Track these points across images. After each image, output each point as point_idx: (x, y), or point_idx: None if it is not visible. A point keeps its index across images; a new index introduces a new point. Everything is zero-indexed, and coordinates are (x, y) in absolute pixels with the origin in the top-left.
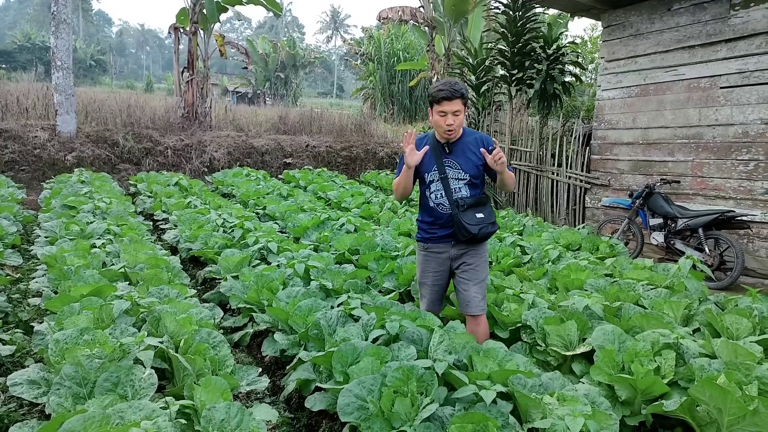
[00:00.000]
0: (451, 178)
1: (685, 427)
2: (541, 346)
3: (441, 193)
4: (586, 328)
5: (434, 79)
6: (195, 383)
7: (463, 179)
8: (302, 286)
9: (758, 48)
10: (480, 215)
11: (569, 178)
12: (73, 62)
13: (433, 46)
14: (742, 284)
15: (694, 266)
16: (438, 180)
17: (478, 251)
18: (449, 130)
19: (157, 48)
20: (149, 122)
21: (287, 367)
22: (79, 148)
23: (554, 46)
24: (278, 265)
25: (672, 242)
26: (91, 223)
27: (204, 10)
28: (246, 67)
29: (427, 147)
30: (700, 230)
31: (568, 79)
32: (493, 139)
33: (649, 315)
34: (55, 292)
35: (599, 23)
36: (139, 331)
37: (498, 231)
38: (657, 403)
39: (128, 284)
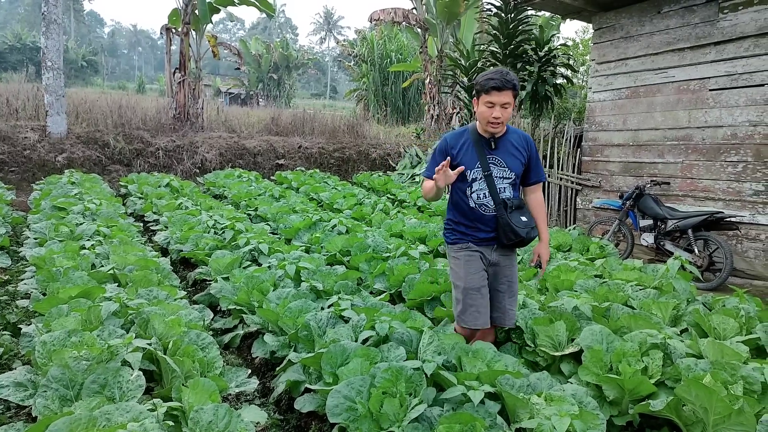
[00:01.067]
0: (496, 176)
1: (672, 426)
2: (530, 346)
3: (485, 193)
4: (574, 328)
5: (426, 81)
6: (183, 385)
7: (508, 178)
8: (293, 287)
9: (746, 51)
10: (524, 218)
11: (560, 179)
12: (64, 63)
13: (426, 47)
14: (730, 285)
15: (682, 267)
16: (482, 178)
17: (513, 261)
18: (495, 123)
19: (149, 49)
20: (140, 123)
21: (277, 369)
22: (69, 149)
23: (546, 49)
24: (269, 267)
25: (662, 243)
26: (81, 224)
27: (196, 11)
28: (238, 68)
29: (462, 168)
30: (690, 231)
31: (559, 81)
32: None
33: (638, 315)
34: (44, 294)
35: (590, 26)
36: (128, 333)
37: None
38: (644, 402)
39: (117, 286)
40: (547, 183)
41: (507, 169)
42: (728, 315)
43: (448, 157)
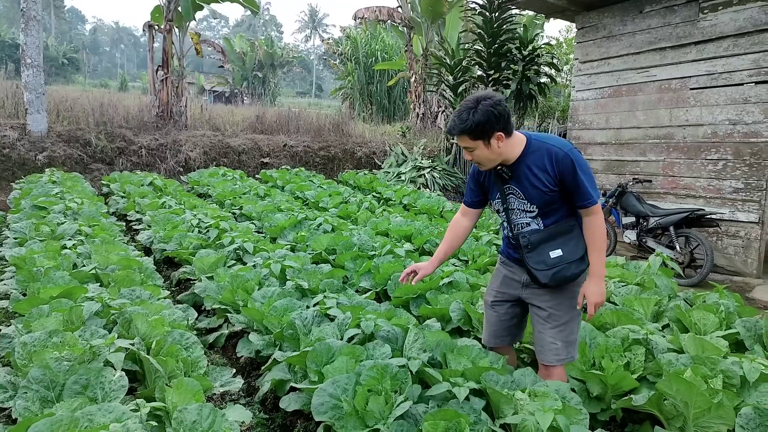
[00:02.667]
0: (515, 209)
1: (654, 420)
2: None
3: (507, 225)
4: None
5: (412, 79)
6: (167, 385)
7: (530, 212)
8: (278, 286)
9: (726, 51)
10: (556, 253)
11: None
12: (45, 60)
13: (411, 46)
14: (711, 281)
15: (664, 264)
16: (503, 211)
17: (564, 290)
18: (478, 164)
19: (132, 46)
20: (123, 121)
21: (262, 368)
22: (50, 147)
23: (530, 48)
24: (254, 266)
25: (644, 240)
26: (62, 224)
27: (179, 8)
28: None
29: (419, 275)
30: (671, 228)
31: (543, 80)
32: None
33: (620, 311)
34: (24, 295)
35: (574, 25)
36: (110, 333)
37: (475, 230)
38: (627, 397)
39: (99, 286)
40: None
41: (525, 201)
42: (708, 310)
43: (413, 271)
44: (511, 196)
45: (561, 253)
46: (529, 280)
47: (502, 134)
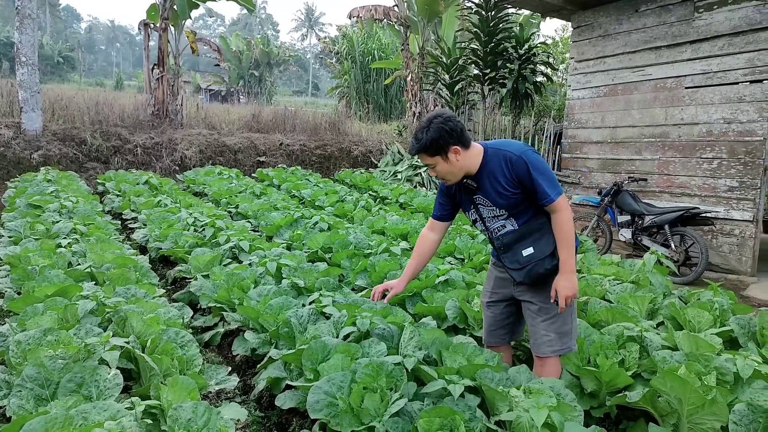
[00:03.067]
0: (488, 217)
1: (648, 417)
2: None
3: (486, 233)
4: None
5: (408, 78)
6: (162, 383)
7: (501, 215)
8: (274, 284)
9: (720, 50)
10: (528, 251)
11: None
12: (40, 59)
13: (408, 45)
14: (705, 279)
15: (659, 262)
16: (479, 220)
17: (548, 283)
18: (441, 178)
19: (127, 45)
20: (118, 120)
21: (258, 366)
22: (45, 146)
23: (526, 47)
24: (250, 264)
25: (639, 239)
26: (57, 222)
27: (175, 6)
28: (218, 65)
29: (388, 293)
30: (666, 227)
31: (539, 78)
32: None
33: (615, 309)
34: (19, 293)
35: (570, 24)
36: (105, 332)
37: (471, 228)
38: (621, 394)
39: (95, 284)
40: None
41: (494, 208)
42: (703, 308)
43: (381, 292)
44: (480, 206)
45: (532, 251)
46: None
47: (458, 147)
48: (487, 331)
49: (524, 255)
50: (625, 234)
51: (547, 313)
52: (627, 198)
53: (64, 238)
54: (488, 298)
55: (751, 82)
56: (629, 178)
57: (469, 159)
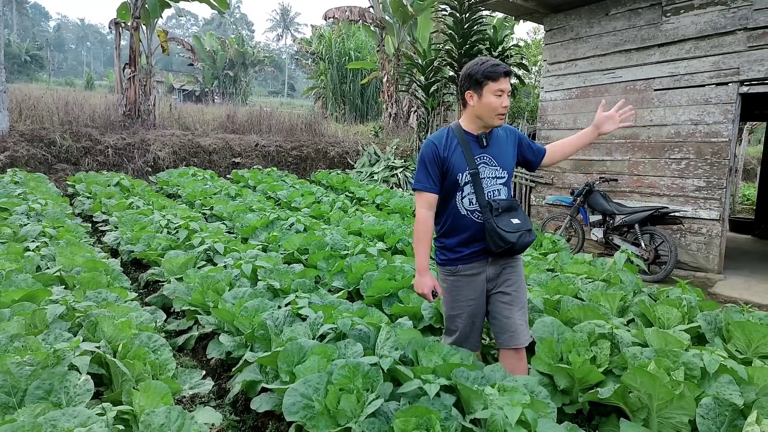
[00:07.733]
0: (486, 177)
1: (620, 412)
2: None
3: (474, 198)
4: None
5: (384, 79)
6: (134, 388)
7: (501, 177)
8: (249, 286)
9: (687, 53)
10: (516, 221)
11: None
12: (6, 57)
13: (383, 46)
14: (674, 277)
15: (629, 260)
16: (470, 183)
17: (517, 268)
18: (503, 115)
19: (98, 44)
20: (89, 120)
21: (233, 369)
22: (12, 147)
23: (500, 48)
24: (225, 266)
25: (610, 238)
26: (25, 225)
27: (146, 5)
28: (192, 64)
29: (434, 283)
30: (637, 226)
31: (513, 80)
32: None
33: (587, 307)
34: None
35: (542, 27)
36: (75, 337)
37: None
38: (593, 391)
39: (64, 288)
40: None
41: (499, 168)
42: (672, 305)
43: (434, 292)
44: (483, 165)
45: (519, 222)
46: (494, 257)
47: None
48: (466, 337)
49: (514, 223)
50: (597, 233)
51: (520, 302)
52: (598, 198)
53: (33, 241)
54: (469, 310)
55: (717, 84)
56: (601, 178)
57: None
